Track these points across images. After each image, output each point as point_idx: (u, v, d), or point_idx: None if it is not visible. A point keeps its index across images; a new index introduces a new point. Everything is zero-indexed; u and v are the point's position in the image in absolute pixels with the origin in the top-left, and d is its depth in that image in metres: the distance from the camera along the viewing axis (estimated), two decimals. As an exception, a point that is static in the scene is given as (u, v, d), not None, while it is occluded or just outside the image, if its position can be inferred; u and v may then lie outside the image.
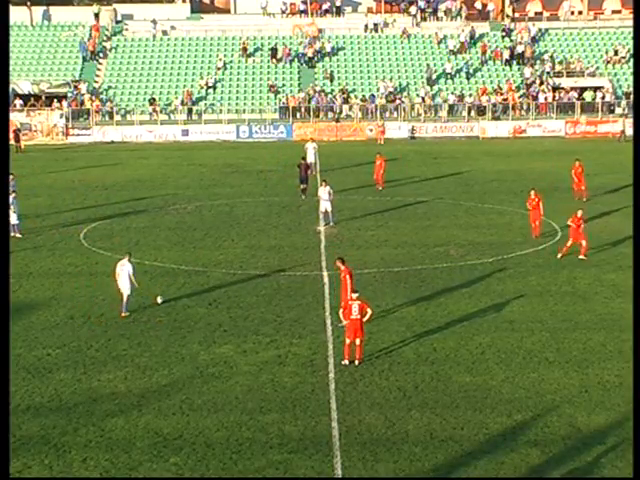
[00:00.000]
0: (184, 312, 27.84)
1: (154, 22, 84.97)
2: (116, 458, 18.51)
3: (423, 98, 77.10)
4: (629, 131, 67.94)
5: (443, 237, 37.32)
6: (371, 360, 23.64)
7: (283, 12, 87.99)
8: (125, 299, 27.39)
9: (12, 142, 61.36)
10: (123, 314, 27.34)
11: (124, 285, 27.34)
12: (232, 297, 29.36)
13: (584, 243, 33.30)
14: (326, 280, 31.02)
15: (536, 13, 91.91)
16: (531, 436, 19.31)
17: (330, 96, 77.38)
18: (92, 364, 23.59)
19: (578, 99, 76.60)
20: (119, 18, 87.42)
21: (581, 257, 33.21)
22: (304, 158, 48.14)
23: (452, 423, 19.94)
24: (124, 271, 27.34)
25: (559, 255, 33.52)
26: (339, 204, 41.79)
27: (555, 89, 78.30)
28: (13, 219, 36.52)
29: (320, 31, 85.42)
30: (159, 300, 28.40)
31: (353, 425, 19.85)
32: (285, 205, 44.81)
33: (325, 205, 39.23)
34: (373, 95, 77.74)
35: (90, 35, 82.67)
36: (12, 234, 36.02)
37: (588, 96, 77.21)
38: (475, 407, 20.74)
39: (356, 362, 23.11)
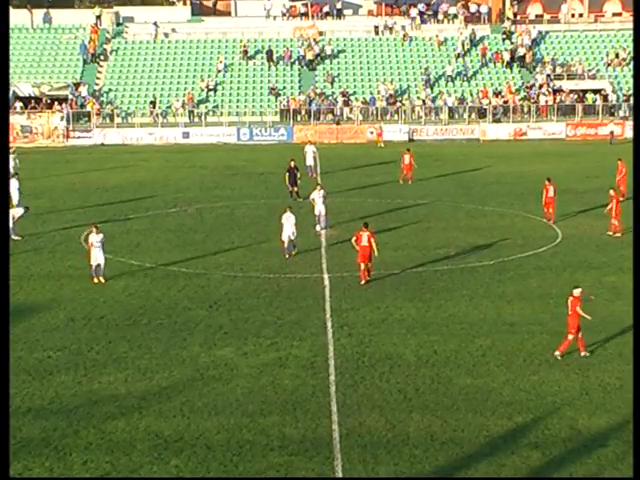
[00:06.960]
0: (185, 314, 27.85)
1: (155, 25, 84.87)
2: (117, 460, 18.52)
3: (424, 101, 77.11)
4: (629, 133, 67.89)
5: (443, 239, 37.31)
6: (372, 362, 23.68)
7: (284, 15, 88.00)
8: (288, 244, 33.47)
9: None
10: (287, 255, 33.44)
11: (288, 233, 33.34)
12: (233, 299, 29.37)
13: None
14: (327, 282, 31.02)
15: (537, 16, 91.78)
16: (532, 438, 19.32)
17: (331, 98, 77.34)
18: (93, 366, 23.61)
19: (578, 101, 76.55)
20: (120, 21, 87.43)
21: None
22: (293, 160, 47.41)
23: (453, 425, 19.95)
24: (289, 221, 33.39)
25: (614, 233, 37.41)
26: (340, 206, 41.79)
27: (556, 91, 78.25)
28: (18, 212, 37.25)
29: (321, 34, 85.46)
30: (317, 228, 37.74)
31: (354, 427, 19.85)
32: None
33: (319, 208, 38.90)
34: (373, 98, 77.75)
35: (90, 38, 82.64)
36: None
37: (589, 99, 77.16)
38: (476, 409, 20.75)
39: (362, 282, 30.33)
